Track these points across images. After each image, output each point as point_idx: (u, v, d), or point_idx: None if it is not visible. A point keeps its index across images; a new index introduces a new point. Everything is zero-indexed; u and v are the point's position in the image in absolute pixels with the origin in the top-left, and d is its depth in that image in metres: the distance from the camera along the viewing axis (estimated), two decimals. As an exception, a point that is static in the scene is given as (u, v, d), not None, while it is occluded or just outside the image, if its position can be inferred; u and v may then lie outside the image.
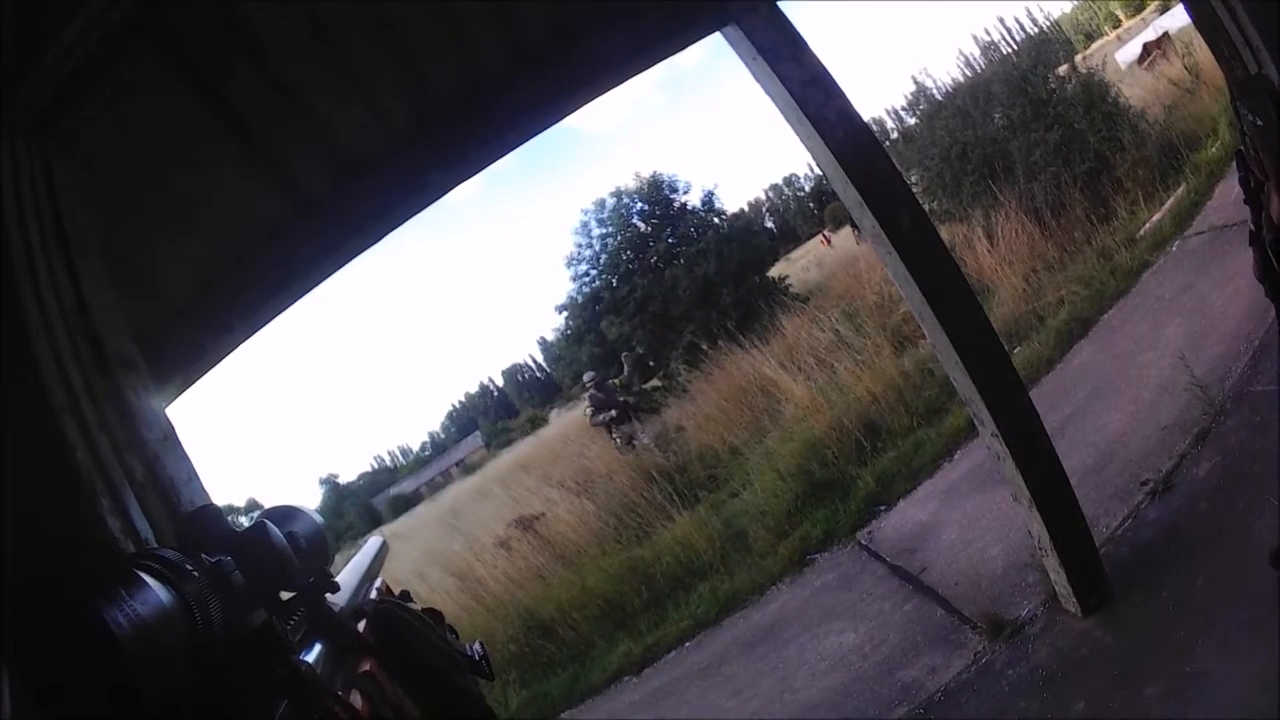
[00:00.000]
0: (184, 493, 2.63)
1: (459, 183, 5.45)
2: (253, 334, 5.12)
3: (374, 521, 36.08)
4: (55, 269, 2.66)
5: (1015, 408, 5.87)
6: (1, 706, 1.92)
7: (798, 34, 5.45)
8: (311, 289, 5.24)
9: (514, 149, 5.56)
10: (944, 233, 17.17)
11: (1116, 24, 53.92)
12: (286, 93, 4.27)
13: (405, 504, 39.75)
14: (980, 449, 8.98)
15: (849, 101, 5.50)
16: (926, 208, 17.14)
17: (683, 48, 5.75)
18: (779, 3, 5.50)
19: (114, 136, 3.56)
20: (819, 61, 5.46)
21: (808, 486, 12.48)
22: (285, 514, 2.38)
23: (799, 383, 15.37)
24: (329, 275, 5.26)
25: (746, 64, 5.63)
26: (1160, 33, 29.03)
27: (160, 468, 2.62)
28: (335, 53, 4.33)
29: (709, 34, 5.63)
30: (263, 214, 4.80)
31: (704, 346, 20.76)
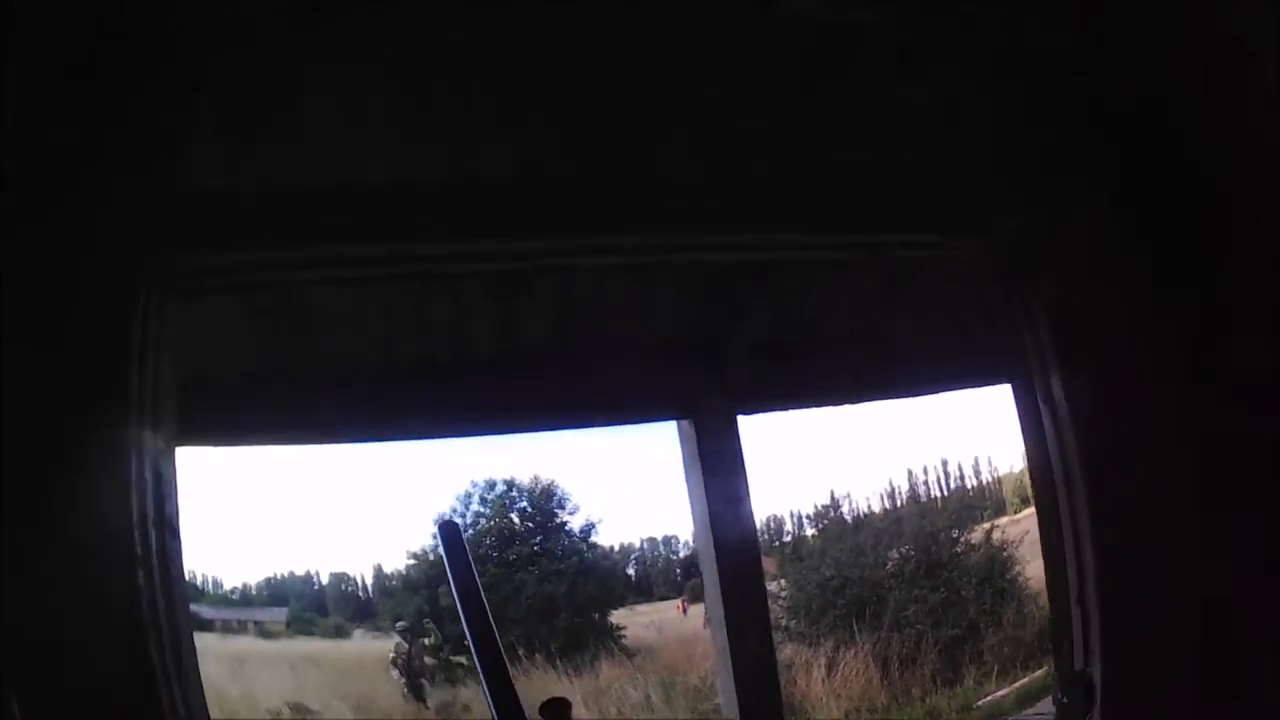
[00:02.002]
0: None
1: (437, 436, 5.79)
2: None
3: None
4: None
5: None
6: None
7: (741, 451, 5.59)
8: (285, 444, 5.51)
9: (474, 435, 5.98)
10: (788, 650, 17.59)
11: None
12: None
13: (198, 625, 38.24)
14: None
15: (754, 530, 5.81)
16: (784, 624, 17.81)
17: (637, 422, 6.35)
18: (740, 415, 5.63)
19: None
20: (747, 483, 5.57)
21: None
22: None
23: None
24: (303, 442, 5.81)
25: (684, 461, 5.78)
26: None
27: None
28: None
29: (666, 420, 5.93)
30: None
31: (520, 653, 20.63)
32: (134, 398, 2.61)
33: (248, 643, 32.16)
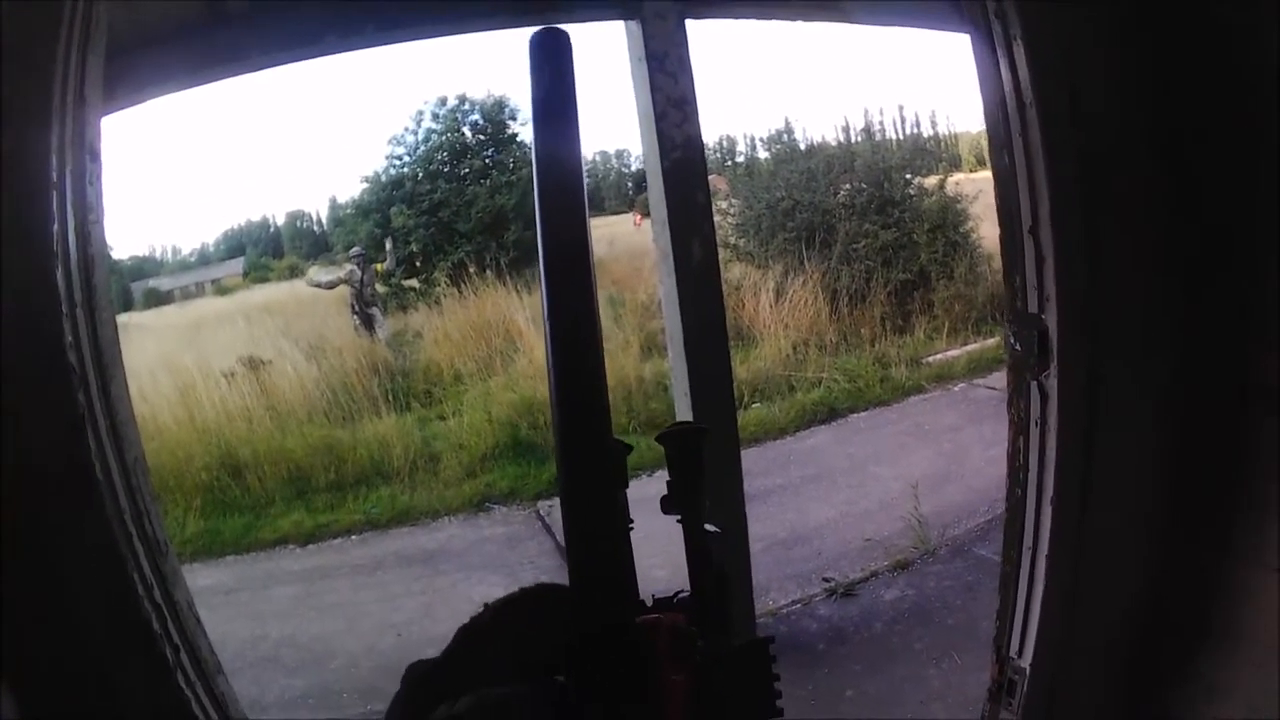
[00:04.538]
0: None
1: (363, 47, 5.53)
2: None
3: (127, 305, 34.64)
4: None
5: (722, 453, 5.89)
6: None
7: (688, 53, 5.58)
8: (218, 79, 5.33)
9: (408, 40, 5.73)
10: (736, 269, 17.91)
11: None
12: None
13: (157, 300, 38.05)
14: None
15: (700, 131, 5.64)
16: (733, 241, 17.90)
17: (585, 20, 5.86)
18: (688, 19, 5.60)
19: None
20: (693, 84, 5.60)
21: (511, 440, 12.99)
22: None
23: (540, 342, 15.29)
24: (231, 75, 5.33)
25: (630, 60, 5.74)
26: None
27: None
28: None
29: (613, 19, 5.74)
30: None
31: (471, 270, 21.17)
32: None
33: (206, 305, 32.20)
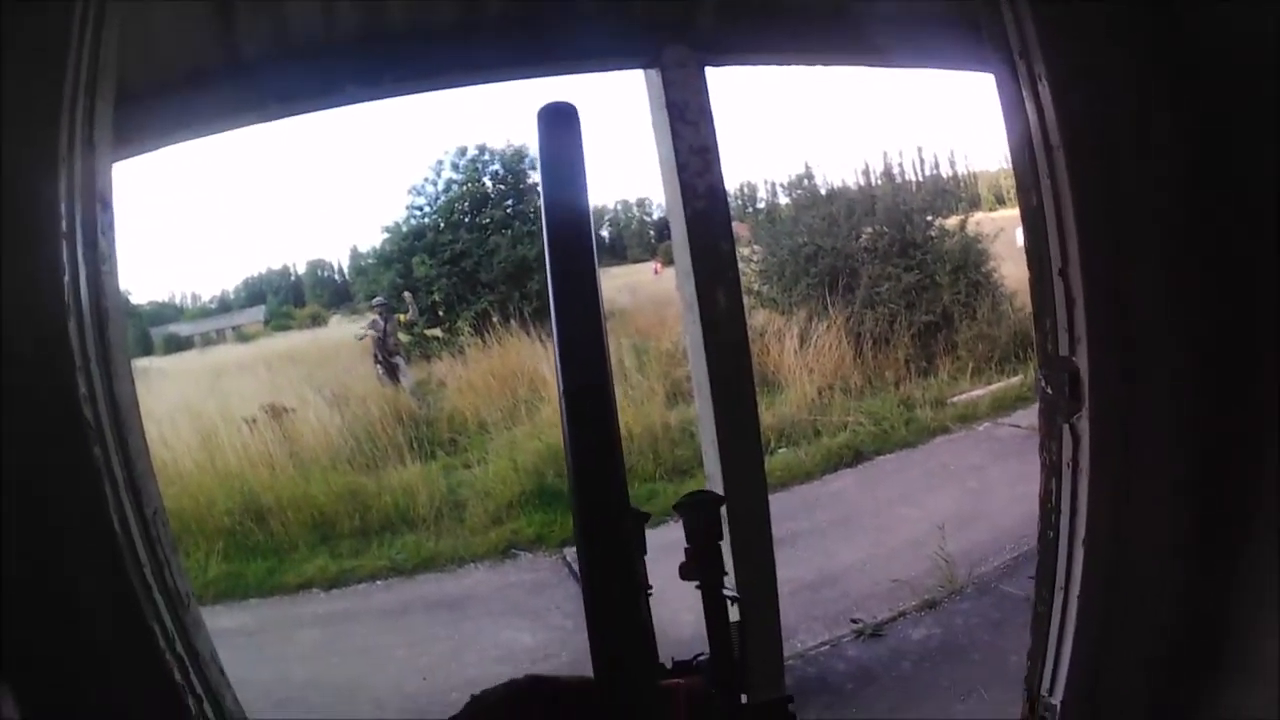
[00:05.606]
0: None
1: (383, 97, 5.58)
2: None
3: (146, 349, 34.79)
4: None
5: (750, 500, 5.92)
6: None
7: (708, 101, 5.57)
8: (236, 127, 5.34)
9: (430, 91, 5.75)
10: (760, 316, 17.95)
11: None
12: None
13: (177, 346, 38.16)
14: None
15: (722, 179, 5.62)
16: (756, 289, 18.12)
17: (604, 70, 5.94)
18: (708, 67, 5.59)
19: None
20: (714, 132, 5.59)
21: (537, 487, 12.94)
22: None
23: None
24: (248, 124, 5.38)
25: (651, 109, 5.76)
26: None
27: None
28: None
29: (632, 69, 5.76)
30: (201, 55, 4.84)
31: (494, 319, 21.40)
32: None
33: (227, 351, 32.30)
